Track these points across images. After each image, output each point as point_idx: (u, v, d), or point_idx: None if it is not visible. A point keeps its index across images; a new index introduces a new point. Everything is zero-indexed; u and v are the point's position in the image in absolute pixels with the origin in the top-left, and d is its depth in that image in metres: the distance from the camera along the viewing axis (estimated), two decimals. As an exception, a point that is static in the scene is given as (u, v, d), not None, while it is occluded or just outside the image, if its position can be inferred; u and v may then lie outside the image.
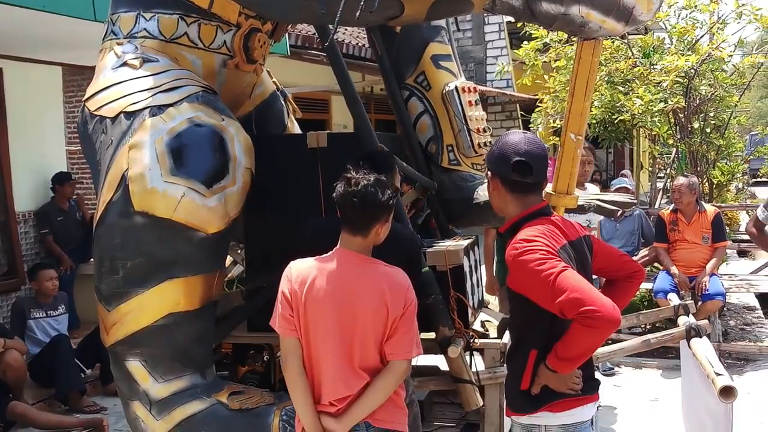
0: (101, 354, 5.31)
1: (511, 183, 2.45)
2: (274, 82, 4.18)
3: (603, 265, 2.64)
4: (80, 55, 6.70)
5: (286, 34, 7.03)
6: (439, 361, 3.82)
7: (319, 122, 10.89)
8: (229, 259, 4.04)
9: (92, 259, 3.29)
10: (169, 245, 2.94)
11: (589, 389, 2.49)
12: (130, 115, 3.03)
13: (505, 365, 3.68)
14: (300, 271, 2.54)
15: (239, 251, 4.11)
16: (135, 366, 2.99)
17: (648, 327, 6.21)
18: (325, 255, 2.58)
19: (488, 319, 4.00)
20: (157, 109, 3.01)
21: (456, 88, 3.98)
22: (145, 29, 3.31)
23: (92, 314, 3.43)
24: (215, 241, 3.02)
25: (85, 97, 3.26)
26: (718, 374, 3.06)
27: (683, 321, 3.87)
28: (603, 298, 2.22)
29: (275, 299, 2.60)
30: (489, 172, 2.54)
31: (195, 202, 2.92)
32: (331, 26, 3.21)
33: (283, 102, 4.20)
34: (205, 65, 3.43)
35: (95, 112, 3.15)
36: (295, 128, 4.31)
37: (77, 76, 9.43)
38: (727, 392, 2.93)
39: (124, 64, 3.21)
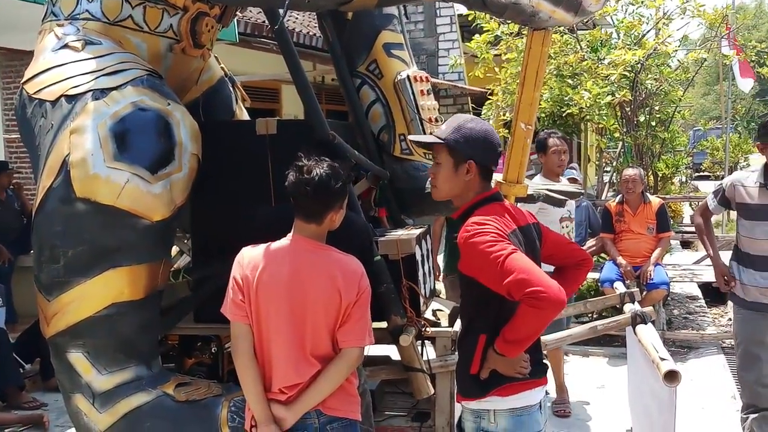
0: (41, 348, 5.19)
1: (485, 170, 2.49)
2: (222, 68, 4.10)
3: (552, 253, 2.67)
4: (18, 39, 6.50)
5: (235, 21, 6.92)
6: (390, 351, 3.81)
7: (268, 112, 10.76)
8: (175, 249, 3.96)
9: (32, 250, 3.17)
10: (112, 233, 2.85)
11: (537, 373, 2.52)
12: (72, 98, 2.93)
13: (456, 353, 3.69)
14: (252, 256, 2.50)
15: (185, 241, 4.03)
16: (77, 358, 2.90)
17: (595, 315, 6.30)
18: (278, 241, 2.54)
19: (440, 307, 4.00)
20: (100, 93, 2.91)
21: (408, 77, 3.95)
22: (87, 11, 3.21)
23: (31, 308, 3.32)
24: (160, 228, 2.94)
25: (24, 79, 3.15)
26: (662, 359, 3.11)
27: (629, 308, 3.93)
28: (549, 280, 2.25)
29: (224, 289, 2.56)
30: (471, 161, 2.46)
31: (139, 189, 2.84)
32: (280, 10, 3.15)
33: (231, 88, 4.12)
34: (150, 49, 3.34)
35: (34, 95, 3.04)
36: (244, 115, 4.24)
37: (15, 61, 9.11)
38: (671, 376, 2.98)
39: (65, 46, 3.10)
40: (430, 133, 3.01)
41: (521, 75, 3.38)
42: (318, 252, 2.53)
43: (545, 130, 5.91)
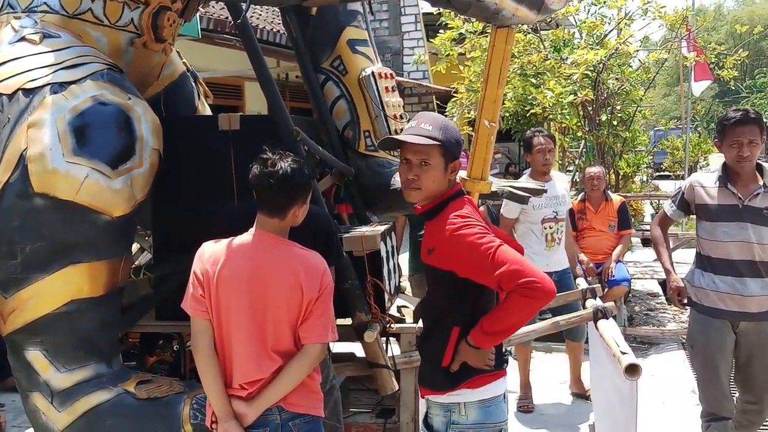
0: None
1: (454, 165, 2.53)
2: (184, 62, 4.05)
3: None
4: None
5: (198, 16, 6.86)
6: (355, 348, 3.80)
7: (231, 109, 10.65)
8: (135, 246, 3.91)
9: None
10: (71, 229, 2.80)
11: (501, 364, 2.57)
12: (29, 92, 2.86)
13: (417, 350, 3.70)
14: (213, 251, 2.48)
15: (147, 238, 3.98)
16: (35, 355, 2.84)
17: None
18: (240, 236, 2.52)
19: (404, 304, 4.01)
20: (59, 87, 2.86)
21: (373, 73, 3.95)
22: (45, 3, 3.14)
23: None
24: (121, 224, 2.90)
25: (-21, 73, 3.08)
26: (623, 353, 3.15)
27: (591, 304, 3.97)
28: (541, 271, 2.33)
29: (185, 286, 2.53)
30: (453, 156, 2.51)
31: (99, 184, 2.79)
32: (243, 5, 3.12)
33: (193, 84, 4.08)
34: (110, 43, 3.28)
35: None
36: (206, 111, 4.20)
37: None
38: (632, 370, 3.02)
39: (22, 39, 3.03)
40: (410, 133, 2.99)
41: (485, 72, 3.39)
42: (280, 247, 2.52)
43: (532, 129, 5.92)
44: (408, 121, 4.11)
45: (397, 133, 3.99)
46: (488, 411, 2.50)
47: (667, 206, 4.09)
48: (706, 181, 3.85)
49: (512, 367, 3.35)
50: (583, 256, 6.30)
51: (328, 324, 2.56)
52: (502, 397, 2.57)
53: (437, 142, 2.46)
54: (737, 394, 4.00)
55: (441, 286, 2.52)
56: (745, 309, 3.71)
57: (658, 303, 7.97)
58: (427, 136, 2.46)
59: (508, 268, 2.27)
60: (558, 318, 4.18)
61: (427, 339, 2.60)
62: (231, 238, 2.53)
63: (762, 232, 3.67)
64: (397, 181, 3.91)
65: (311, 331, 2.51)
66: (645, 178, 16.84)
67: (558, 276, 5.18)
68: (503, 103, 7.54)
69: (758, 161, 3.78)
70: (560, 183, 5.37)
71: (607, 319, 3.76)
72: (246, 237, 2.52)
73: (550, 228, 5.26)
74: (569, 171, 11.00)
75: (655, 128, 24.26)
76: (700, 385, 4.01)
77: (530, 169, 5.45)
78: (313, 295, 2.49)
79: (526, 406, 5.26)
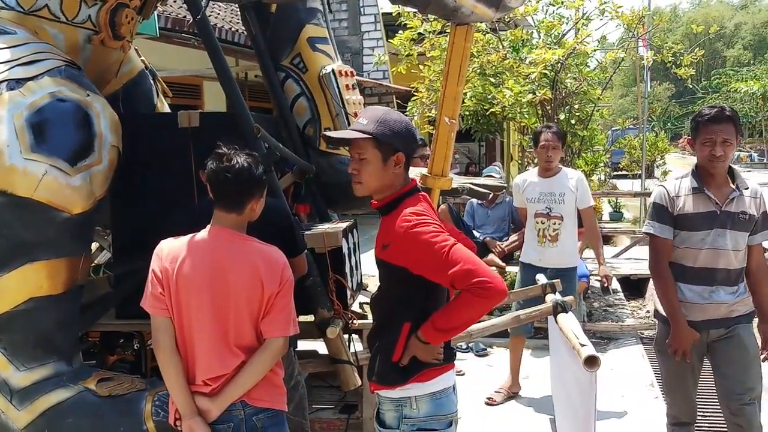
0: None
1: (408, 161, 2.52)
2: (142, 60, 4.03)
3: None
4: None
5: (156, 15, 6.80)
6: (317, 346, 3.81)
7: (190, 108, 10.48)
8: (94, 245, 3.87)
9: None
10: (30, 226, 2.77)
11: (450, 357, 2.59)
12: None
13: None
14: (171, 248, 2.48)
15: (106, 237, 3.94)
16: (-7, 354, 2.81)
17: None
18: (198, 233, 2.52)
19: (367, 300, 4.03)
20: (15, 83, 2.83)
21: (333, 71, 3.97)
22: None
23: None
24: (80, 222, 2.88)
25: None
26: (582, 345, 3.19)
27: (550, 298, 4.02)
28: (493, 271, 2.35)
29: (145, 284, 2.52)
30: (400, 152, 2.47)
31: (58, 181, 2.77)
32: (202, 1, 3.12)
33: (152, 81, 4.05)
34: (68, 40, 3.26)
35: None
36: (165, 108, 4.18)
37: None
38: (591, 361, 3.06)
39: (-23, 35, 3.00)
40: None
41: (444, 70, 3.43)
42: (239, 242, 2.52)
43: (543, 124, 5.90)
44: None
45: (357, 131, 4.01)
46: (439, 403, 2.53)
47: (655, 229, 3.57)
48: (680, 189, 3.55)
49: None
50: (525, 253, 6.35)
51: (290, 318, 2.57)
52: (451, 389, 2.60)
53: (368, 136, 2.43)
54: (721, 403, 3.65)
55: (394, 281, 2.52)
56: (714, 316, 3.51)
57: (616, 299, 8.09)
58: (359, 130, 2.46)
59: (461, 267, 2.28)
60: (519, 312, 4.24)
61: (377, 334, 2.60)
62: (189, 235, 2.53)
63: (737, 238, 3.48)
64: (357, 178, 3.93)
65: (273, 325, 2.52)
66: (603, 177, 17.08)
67: (553, 273, 5.02)
68: (463, 102, 7.60)
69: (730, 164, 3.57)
70: (564, 181, 5.24)
71: (567, 312, 3.82)
72: (204, 234, 2.52)
73: (542, 224, 5.24)
74: (528, 170, 11.11)
75: (613, 128, 24.64)
76: (665, 389, 3.91)
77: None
78: (273, 289, 2.50)
79: (493, 399, 5.34)
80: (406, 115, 9.87)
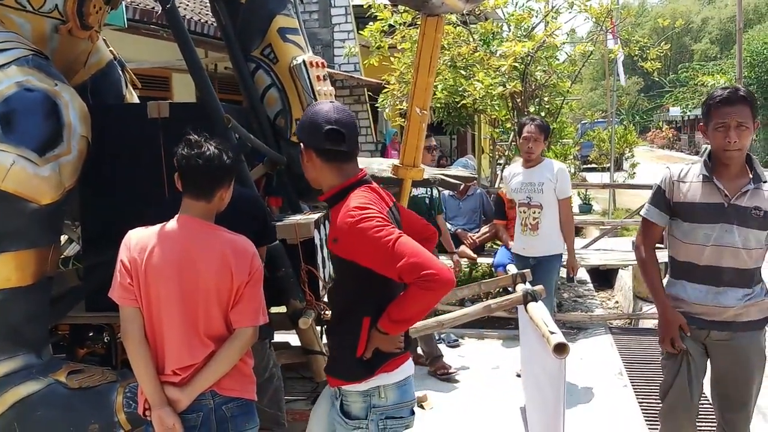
0: None
1: (325, 153, 2.48)
2: (111, 51, 3.98)
3: (407, 228, 2.67)
4: None
5: (124, 6, 6.73)
6: (290, 338, 3.81)
7: (159, 100, 10.47)
8: (63, 238, 3.83)
9: None
10: None
11: (408, 345, 2.63)
12: None
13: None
14: (139, 238, 2.46)
15: (75, 229, 3.90)
16: (-39, 347, 2.78)
17: (490, 298, 6.47)
18: (166, 222, 2.51)
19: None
20: None
21: (304, 62, 3.95)
22: None
23: None
24: (49, 212, 2.85)
25: None
26: (552, 332, 3.23)
27: (521, 288, 4.07)
28: (439, 262, 2.35)
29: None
30: (302, 144, 2.53)
31: (26, 171, 2.74)
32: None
33: (120, 72, 4.01)
34: (34, 30, 3.21)
35: None
36: (134, 99, 4.14)
37: None
38: (561, 349, 3.10)
39: (-58, 25, 2.95)
40: None
41: (416, 61, 3.44)
42: (208, 232, 2.52)
43: (528, 115, 5.99)
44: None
45: (329, 122, 4.01)
46: (404, 390, 2.57)
47: (651, 213, 3.33)
48: (687, 175, 3.22)
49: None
50: (512, 244, 6.42)
51: (259, 307, 2.57)
52: (411, 377, 2.64)
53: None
54: (713, 403, 3.42)
55: (347, 275, 2.52)
56: (717, 318, 3.17)
57: (586, 290, 8.18)
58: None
59: (407, 261, 2.28)
60: (490, 301, 4.27)
61: (337, 329, 2.61)
62: (158, 224, 2.51)
63: (748, 236, 3.10)
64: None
65: (242, 314, 2.53)
66: (572, 170, 17.25)
67: (535, 262, 5.31)
68: (434, 95, 7.62)
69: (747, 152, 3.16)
70: (544, 171, 5.35)
71: (537, 301, 3.87)
72: (172, 223, 2.51)
73: (524, 212, 5.39)
74: (499, 164, 11.17)
75: (582, 121, 24.87)
76: (664, 386, 3.39)
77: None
78: (243, 278, 2.50)
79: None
80: (377, 108, 9.89)
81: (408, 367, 2.62)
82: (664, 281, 3.37)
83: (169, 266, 2.43)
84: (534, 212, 5.35)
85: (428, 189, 5.62)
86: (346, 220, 2.37)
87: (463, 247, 6.90)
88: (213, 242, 2.50)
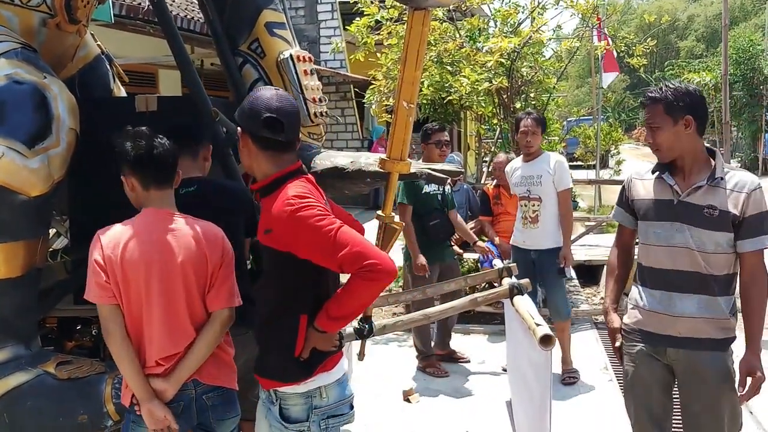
0: None
1: (262, 140, 2.41)
2: (98, 45, 3.98)
3: None
4: None
5: (110, 2, 6.70)
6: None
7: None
8: (52, 231, 3.83)
9: None
10: None
11: (342, 343, 2.56)
12: None
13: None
14: (110, 236, 2.49)
15: (63, 223, 3.90)
16: (-50, 338, 2.78)
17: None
18: (133, 217, 2.55)
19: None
20: None
21: (291, 56, 3.95)
22: None
23: None
24: (38, 204, 2.86)
25: None
26: (538, 324, 3.27)
27: (507, 281, 4.10)
28: (382, 252, 2.32)
29: None
30: (239, 129, 2.47)
31: (15, 163, 2.75)
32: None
33: (108, 66, 4.01)
34: (22, 23, 3.21)
35: None
36: (122, 93, 4.14)
37: None
38: (547, 340, 3.14)
39: (-71, 18, 2.95)
40: None
41: (402, 55, 3.44)
42: (176, 220, 2.56)
43: (524, 111, 6.04)
44: (326, 105, 4.17)
45: (316, 116, 4.03)
46: (342, 387, 2.51)
47: (613, 212, 3.31)
48: (645, 173, 3.08)
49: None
50: (497, 240, 6.46)
51: (233, 290, 2.62)
52: (347, 373, 2.59)
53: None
54: None
55: (280, 268, 2.41)
56: (671, 332, 2.91)
57: (571, 285, 8.22)
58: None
59: (350, 250, 2.22)
60: (476, 294, 4.30)
61: (269, 327, 2.47)
62: (124, 221, 2.55)
63: (701, 237, 2.85)
64: (317, 163, 3.94)
65: (217, 298, 2.57)
66: (558, 167, 17.32)
67: (537, 255, 5.40)
68: (420, 91, 7.64)
69: (709, 147, 3.00)
70: (543, 164, 5.42)
71: (522, 294, 3.90)
72: (141, 217, 2.55)
73: (525, 206, 5.47)
74: (485, 161, 11.22)
75: (568, 119, 24.96)
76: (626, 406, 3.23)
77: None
78: (216, 262, 2.56)
79: (571, 377, 5.46)
80: (364, 104, 9.89)
81: (344, 364, 2.56)
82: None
83: (146, 258, 2.46)
84: (533, 205, 5.43)
85: (440, 186, 5.67)
86: (285, 208, 2.28)
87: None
88: (183, 229, 2.54)
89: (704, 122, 2.93)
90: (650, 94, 2.95)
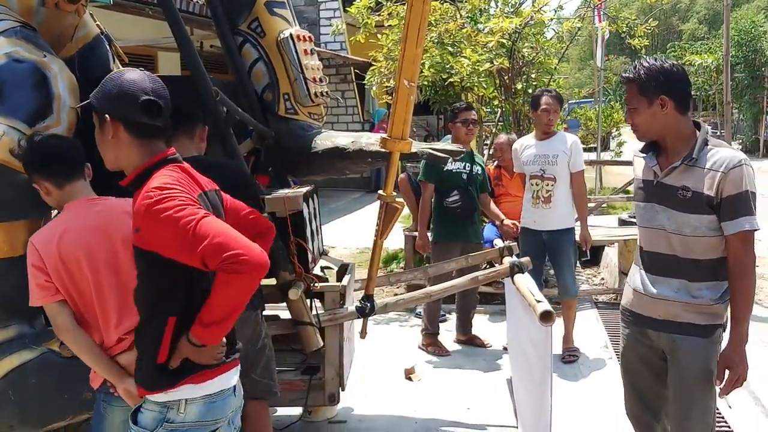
0: None
1: (137, 126, 2.17)
2: (98, 25, 3.96)
3: (234, 221, 2.35)
4: None
5: (110, -18, 6.68)
6: (279, 311, 3.85)
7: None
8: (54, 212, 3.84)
9: None
10: None
11: (231, 354, 2.31)
12: None
13: (344, 306, 3.77)
14: (42, 238, 2.51)
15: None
16: (-46, 318, 2.79)
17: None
18: (58, 216, 2.61)
19: (328, 265, 4.07)
20: None
21: (291, 35, 3.94)
22: None
23: None
24: None
25: None
26: (538, 301, 3.28)
27: (508, 260, 4.11)
28: (250, 242, 2.03)
29: None
30: (107, 117, 2.17)
31: (16, 142, 2.74)
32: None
33: (108, 46, 3.99)
34: (21, 3, 3.18)
35: None
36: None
37: None
38: (547, 316, 3.15)
39: (-72, -3, 2.94)
40: None
41: (403, 33, 3.44)
42: (100, 202, 2.61)
43: (541, 88, 5.99)
44: (326, 85, 4.15)
45: (317, 96, 4.02)
46: (212, 406, 2.22)
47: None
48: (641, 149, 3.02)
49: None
50: (506, 220, 6.43)
51: None
52: (231, 390, 2.30)
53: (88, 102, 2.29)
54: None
55: (150, 271, 2.18)
56: (652, 314, 2.88)
57: (572, 265, 8.25)
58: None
59: (210, 241, 1.96)
60: (477, 273, 4.32)
61: (141, 332, 2.26)
62: (51, 221, 2.61)
63: (677, 219, 2.77)
64: (318, 144, 3.94)
65: None
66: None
67: (548, 236, 5.34)
68: (421, 72, 7.61)
69: (696, 121, 2.87)
70: (559, 144, 5.37)
71: (523, 273, 3.92)
72: (66, 212, 2.59)
73: (537, 185, 5.39)
74: (486, 144, 11.19)
75: (569, 101, 24.89)
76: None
77: (535, 127, 5.60)
78: None
79: (572, 355, 5.47)
80: (364, 86, 9.84)
81: (227, 379, 2.27)
82: None
83: (83, 243, 2.48)
84: (547, 185, 5.36)
85: (466, 164, 5.64)
86: (143, 202, 2.04)
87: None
88: (113, 206, 2.59)
89: (685, 100, 2.81)
90: (624, 74, 2.87)
